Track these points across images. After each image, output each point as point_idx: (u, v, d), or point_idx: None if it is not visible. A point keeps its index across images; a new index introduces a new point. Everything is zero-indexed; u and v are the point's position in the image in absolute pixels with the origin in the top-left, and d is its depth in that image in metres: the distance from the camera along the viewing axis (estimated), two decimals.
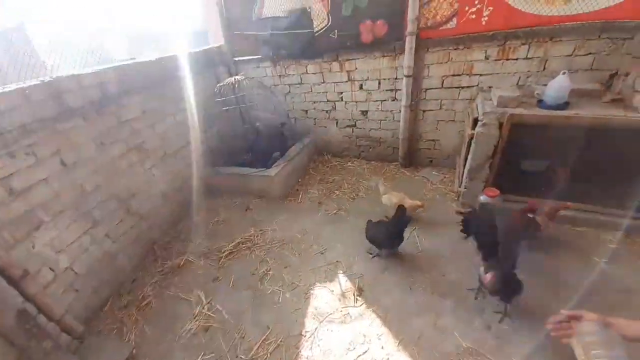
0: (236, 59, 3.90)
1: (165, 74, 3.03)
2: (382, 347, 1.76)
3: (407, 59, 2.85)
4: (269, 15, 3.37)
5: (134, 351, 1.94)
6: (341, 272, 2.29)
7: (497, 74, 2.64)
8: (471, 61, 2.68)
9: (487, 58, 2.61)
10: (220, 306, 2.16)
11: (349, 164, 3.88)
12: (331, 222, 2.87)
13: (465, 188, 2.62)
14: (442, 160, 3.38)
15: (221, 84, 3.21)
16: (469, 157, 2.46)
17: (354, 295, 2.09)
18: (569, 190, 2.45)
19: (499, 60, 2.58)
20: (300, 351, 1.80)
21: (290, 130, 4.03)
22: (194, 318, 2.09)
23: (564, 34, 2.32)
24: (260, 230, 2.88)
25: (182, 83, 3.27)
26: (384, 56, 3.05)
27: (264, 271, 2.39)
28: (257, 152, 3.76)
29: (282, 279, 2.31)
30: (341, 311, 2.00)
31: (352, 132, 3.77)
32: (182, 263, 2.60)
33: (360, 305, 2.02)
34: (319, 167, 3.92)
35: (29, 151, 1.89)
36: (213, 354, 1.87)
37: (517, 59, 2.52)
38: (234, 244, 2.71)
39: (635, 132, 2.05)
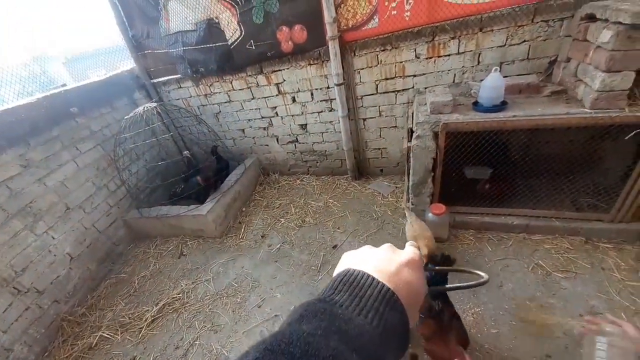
0: (154, 80, 3.43)
1: (54, 114, 2.53)
2: None
3: (334, 66, 2.51)
4: (178, 30, 2.92)
5: None
6: None
7: (431, 73, 2.35)
8: (402, 62, 2.38)
9: (417, 57, 2.32)
10: None
11: (298, 182, 3.53)
12: (273, 259, 2.52)
13: (413, 204, 2.34)
14: (393, 168, 3.10)
15: (127, 116, 2.74)
16: (410, 172, 2.18)
17: None
18: (517, 195, 2.23)
19: (431, 58, 2.29)
20: None
21: (228, 152, 3.63)
22: None
23: (493, 23, 2.06)
24: (193, 282, 2.48)
25: (83, 120, 2.79)
26: (310, 64, 2.69)
27: (189, 342, 2.01)
28: (192, 183, 3.32)
29: (210, 350, 1.93)
30: None
31: (295, 147, 3.41)
32: (95, 342, 2.16)
33: None
34: (265, 190, 3.54)
35: None
36: None
37: (449, 55, 2.24)
38: (159, 307, 2.30)
39: (581, 129, 1.83)
